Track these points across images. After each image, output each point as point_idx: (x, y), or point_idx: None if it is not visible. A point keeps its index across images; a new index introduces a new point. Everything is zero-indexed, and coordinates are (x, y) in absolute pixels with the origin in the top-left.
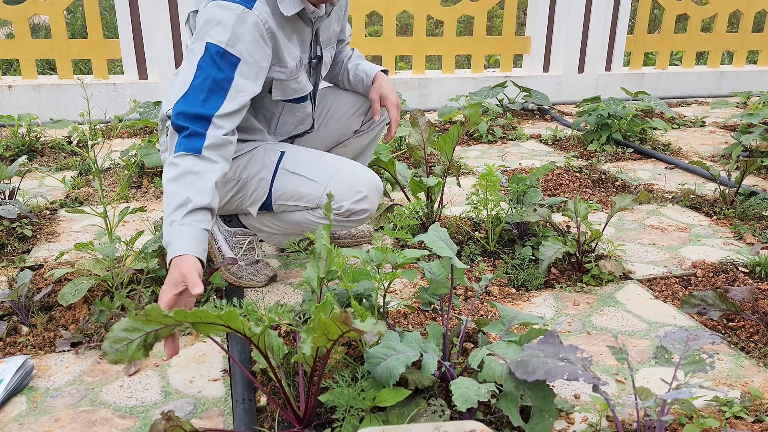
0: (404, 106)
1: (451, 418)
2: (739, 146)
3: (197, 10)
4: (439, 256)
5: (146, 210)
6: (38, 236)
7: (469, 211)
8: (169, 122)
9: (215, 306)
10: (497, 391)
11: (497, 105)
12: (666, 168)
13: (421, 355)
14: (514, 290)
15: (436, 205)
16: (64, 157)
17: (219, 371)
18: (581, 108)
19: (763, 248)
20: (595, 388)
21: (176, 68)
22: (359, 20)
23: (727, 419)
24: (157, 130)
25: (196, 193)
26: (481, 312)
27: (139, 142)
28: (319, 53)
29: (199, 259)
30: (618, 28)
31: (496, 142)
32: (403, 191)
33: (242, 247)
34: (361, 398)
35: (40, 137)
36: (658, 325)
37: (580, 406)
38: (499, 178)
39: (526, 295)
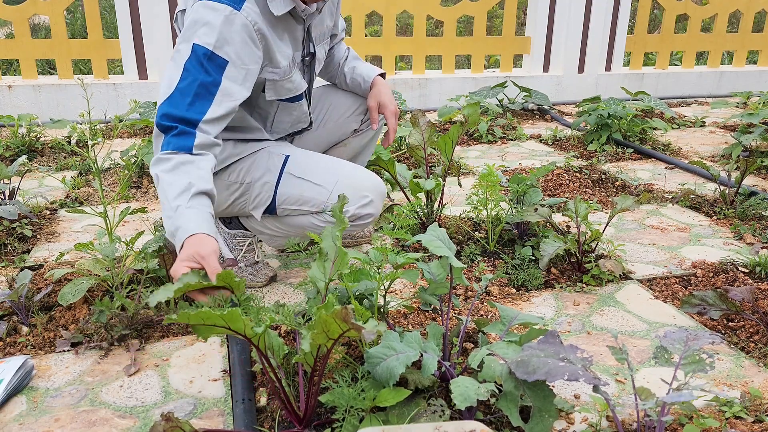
0: (404, 106)
1: (451, 418)
2: (739, 146)
3: (185, 9)
4: (439, 257)
5: (146, 210)
6: (38, 236)
7: (469, 211)
8: None
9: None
10: (497, 391)
11: (497, 105)
12: (666, 168)
13: (421, 355)
14: (514, 290)
15: (436, 205)
16: (64, 157)
17: (219, 371)
18: (581, 108)
19: (763, 248)
20: (596, 389)
21: None
22: (359, 20)
23: (727, 419)
24: None
25: (196, 179)
26: (481, 312)
27: (139, 142)
28: (312, 50)
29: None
30: (618, 28)
31: (496, 142)
32: (403, 191)
33: (242, 249)
34: (361, 398)
35: (40, 137)
36: (658, 325)
37: (580, 406)
38: (499, 178)
39: (526, 295)
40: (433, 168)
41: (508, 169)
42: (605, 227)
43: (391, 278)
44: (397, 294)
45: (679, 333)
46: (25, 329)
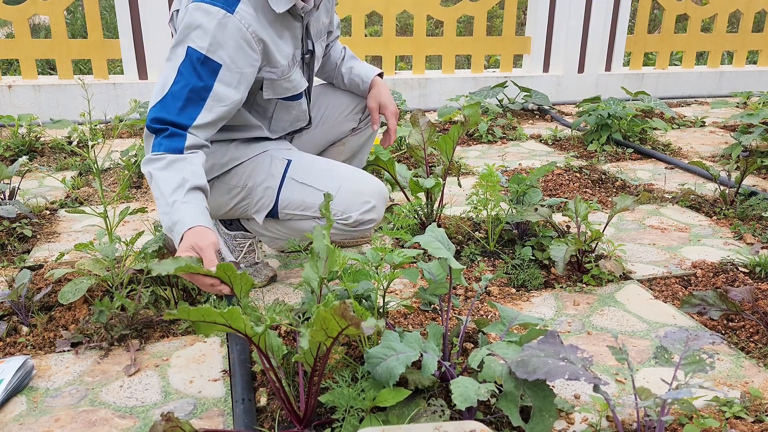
0: (404, 106)
1: (451, 418)
2: (739, 146)
3: (179, 10)
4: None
5: (146, 210)
6: (38, 236)
7: (469, 211)
8: None
9: (215, 307)
10: (497, 391)
11: (497, 105)
12: (666, 168)
13: (421, 355)
14: (514, 290)
15: (436, 205)
16: (64, 157)
17: (219, 371)
18: (581, 108)
19: (763, 248)
20: (596, 388)
21: None
22: (359, 20)
23: (727, 419)
24: None
25: (190, 174)
26: (481, 312)
27: (139, 143)
28: (311, 48)
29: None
30: (618, 28)
31: (496, 142)
32: (403, 191)
33: (242, 250)
34: (361, 398)
35: (40, 137)
36: (658, 325)
37: (580, 406)
38: (499, 178)
39: (526, 296)
40: (433, 168)
41: (508, 169)
42: (605, 227)
43: (390, 278)
44: (397, 294)
45: (679, 333)
46: (25, 329)
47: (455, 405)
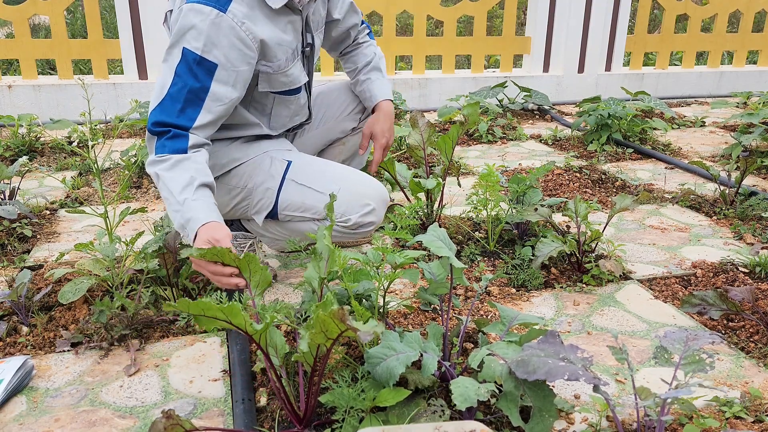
0: (404, 106)
1: (451, 418)
2: (739, 146)
3: (172, 10)
4: (439, 257)
5: (146, 210)
6: (38, 236)
7: (469, 211)
8: None
9: (219, 300)
10: (497, 391)
11: (497, 105)
12: (666, 168)
13: (421, 355)
14: (514, 290)
15: (436, 205)
16: (64, 157)
17: (219, 371)
18: (581, 108)
19: (763, 248)
20: (596, 388)
21: None
22: None
23: (727, 419)
24: None
25: (196, 172)
26: (481, 312)
27: (140, 143)
28: (310, 40)
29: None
30: (618, 28)
31: (496, 142)
32: (403, 191)
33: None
34: (361, 398)
35: (40, 137)
36: (658, 325)
37: (580, 406)
38: (499, 178)
39: (526, 295)
40: (432, 168)
41: (508, 169)
42: (605, 227)
43: (390, 278)
44: (397, 294)
45: (679, 333)
46: (25, 329)
47: (455, 405)
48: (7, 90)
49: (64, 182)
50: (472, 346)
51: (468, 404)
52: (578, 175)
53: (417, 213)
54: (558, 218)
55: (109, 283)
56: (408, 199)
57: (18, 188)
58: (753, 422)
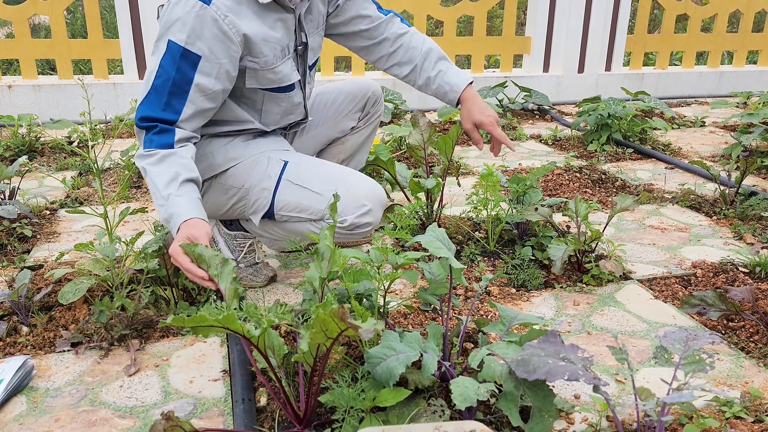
0: (404, 106)
1: (451, 418)
2: (739, 146)
3: (163, 5)
4: (439, 257)
5: (146, 210)
6: (38, 236)
7: (469, 211)
8: None
9: (216, 307)
10: (497, 391)
11: (497, 105)
12: (666, 168)
13: (421, 355)
14: (514, 290)
15: (436, 205)
16: (64, 157)
17: (219, 371)
18: (581, 108)
19: (763, 248)
20: (596, 389)
21: None
22: None
23: (727, 419)
24: None
25: (181, 168)
26: (481, 312)
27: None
28: (304, 40)
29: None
30: (618, 28)
31: None
32: (403, 191)
33: (242, 250)
34: (361, 398)
35: (40, 137)
36: (658, 325)
37: (580, 406)
38: (499, 178)
39: (526, 295)
40: (432, 168)
41: (508, 169)
42: (605, 227)
43: (391, 278)
44: (397, 294)
45: (679, 333)
46: (25, 329)
47: (455, 405)
48: (7, 90)
49: (64, 182)
50: (472, 346)
51: (468, 404)
52: (578, 175)
53: (417, 213)
54: (558, 218)
55: (109, 283)
56: (408, 198)
57: (18, 188)
58: (753, 422)
